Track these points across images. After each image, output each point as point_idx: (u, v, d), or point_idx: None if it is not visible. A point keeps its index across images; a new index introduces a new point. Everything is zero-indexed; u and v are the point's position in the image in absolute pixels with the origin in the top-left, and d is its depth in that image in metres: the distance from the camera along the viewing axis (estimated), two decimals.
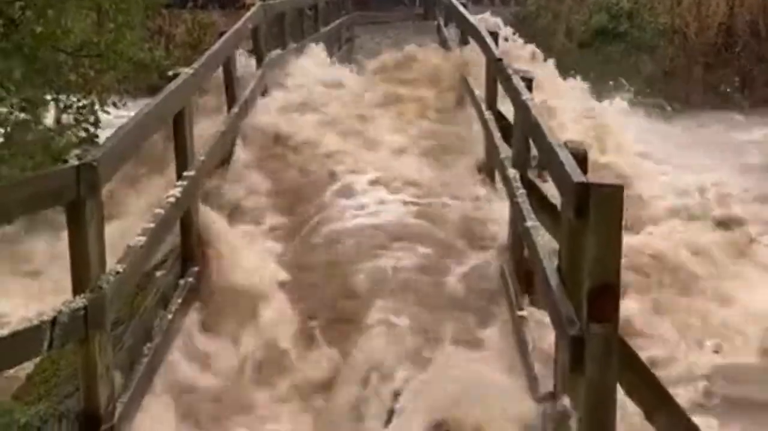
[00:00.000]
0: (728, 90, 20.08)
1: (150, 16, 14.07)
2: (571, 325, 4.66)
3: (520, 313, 6.56)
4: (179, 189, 6.93)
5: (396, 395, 5.92)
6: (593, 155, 8.20)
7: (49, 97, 11.67)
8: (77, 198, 5.01)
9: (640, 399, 4.93)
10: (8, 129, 10.73)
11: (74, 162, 5.11)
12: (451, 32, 17.18)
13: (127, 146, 5.95)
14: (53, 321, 4.77)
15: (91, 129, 11.49)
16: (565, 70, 17.21)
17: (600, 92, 17.11)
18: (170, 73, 8.06)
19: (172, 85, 7.39)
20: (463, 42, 14.17)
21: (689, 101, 19.88)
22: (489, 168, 9.65)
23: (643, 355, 5.27)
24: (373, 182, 9.65)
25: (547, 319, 5.43)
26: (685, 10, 21.00)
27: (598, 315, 4.44)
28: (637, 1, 21.69)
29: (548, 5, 23.57)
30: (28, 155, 10.54)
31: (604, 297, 4.45)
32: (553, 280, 5.25)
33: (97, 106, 11.84)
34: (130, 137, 6.00)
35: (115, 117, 12.03)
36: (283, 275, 7.54)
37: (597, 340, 4.43)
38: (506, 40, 15.97)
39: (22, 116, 11.12)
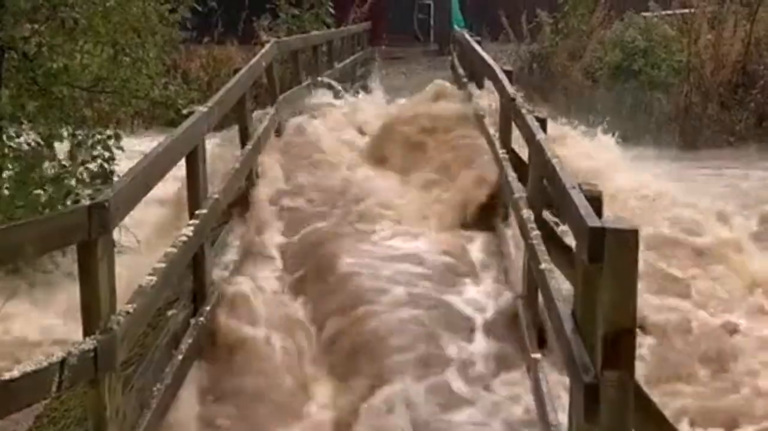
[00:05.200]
0: (744, 129, 20.01)
1: (166, 51, 14.15)
2: (585, 371, 4.59)
3: (534, 355, 6.50)
4: (191, 228, 6.89)
5: None
6: None
7: (64, 132, 11.74)
8: (88, 238, 4.98)
9: None
10: (22, 162, 10.81)
11: (86, 202, 5.10)
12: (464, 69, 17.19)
13: (140, 185, 5.92)
14: (62, 363, 4.73)
15: (105, 165, 11.54)
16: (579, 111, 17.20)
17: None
18: (185, 111, 8.04)
19: (186, 124, 7.38)
20: (476, 80, 14.19)
21: (703, 140, 19.82)
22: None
23: None
24: None
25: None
26: (701, 48, 20.97)
27: (613, 362, 4.37)
28: (653, 39, 21.68)
29: (564, 43, 23.58)
30: (41, 188, 10.60)
31: (620, 343, 4.38)
32: (568, 325, 5.19)
33: (112, 142, 11.90)
34: (142, 177, 5.97)
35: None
36: None
37: (612, 388, 4.36)
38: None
39: (37, 149, 11.21)
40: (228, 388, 6.67)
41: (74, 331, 5.30)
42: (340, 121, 14.27)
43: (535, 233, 6.93)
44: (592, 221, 4.74)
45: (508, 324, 7.44)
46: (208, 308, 7.25)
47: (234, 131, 10.82)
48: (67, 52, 11.96)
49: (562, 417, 5.50)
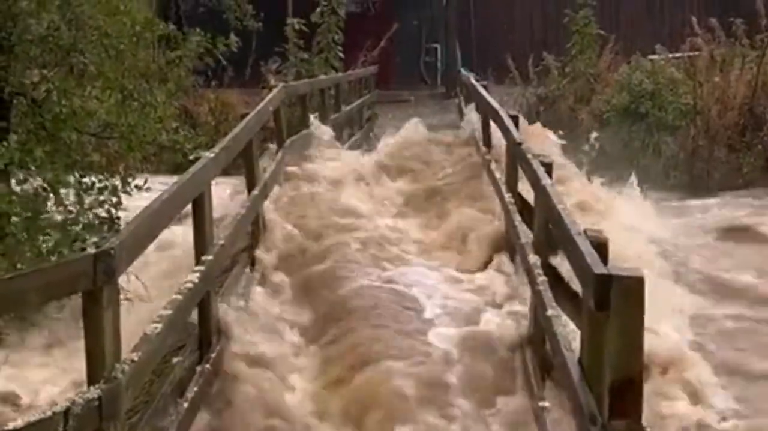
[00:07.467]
0: (752, 172, 19.92)
1: (177, 96, 14.17)
2: (592, 421, 4.56)
3: (541, 404, 6.45)
4: (197, 275, 6.88)
5: None
6: None
7: (71, 178, 11.72)
8: (93, 286, 4.98)
9: None
10: (29, 208, 10.78)
11: (92, 250, 5.10)
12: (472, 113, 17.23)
13: (146, 232, 5.92)
14: (66, 412, 4.71)
15: (113, 211, 11.51)
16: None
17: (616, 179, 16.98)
18: (191, 157, 8.06)
19: (192, 170, 7.38)
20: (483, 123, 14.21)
21: (711, 184, 19.74)
22: None
23: None
24: None
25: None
26: (707, 92, 20.94)
27: (620, 411, 4.35)
28: (660, 81, 21.68)
29: (572, 86, 23.62)
30: (47, 234, 10.57)
31: (627, 392, 4.36)
32: (574, 372, 5.16)
33: (119, 188, 11.87)
34: (148, 223, 5.97)
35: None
36: None
37: None
38: None
39: (44, 195, 11.18)
40: None
41: None
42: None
43: (542, 278, 6.91)
44: (598, 269, 4.72)
45: None
46: (213, 355, 7.23)
47: None
48: (77, 96, 11.97)
49: None
